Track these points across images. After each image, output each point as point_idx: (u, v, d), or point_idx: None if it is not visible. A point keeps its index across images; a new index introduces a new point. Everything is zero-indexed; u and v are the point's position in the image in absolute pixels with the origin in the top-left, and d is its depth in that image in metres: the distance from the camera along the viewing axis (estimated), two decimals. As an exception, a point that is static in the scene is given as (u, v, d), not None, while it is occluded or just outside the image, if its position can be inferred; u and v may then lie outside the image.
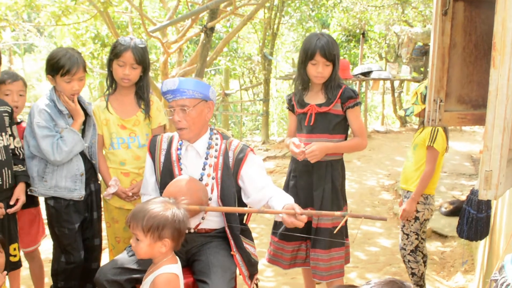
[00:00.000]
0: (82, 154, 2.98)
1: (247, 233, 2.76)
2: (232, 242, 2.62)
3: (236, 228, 2.63)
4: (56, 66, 2.82)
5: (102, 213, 3.24)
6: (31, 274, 3.38)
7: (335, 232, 2.67)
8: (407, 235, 3.44)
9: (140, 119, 3.12)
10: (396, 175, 7.27)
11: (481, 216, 3.02)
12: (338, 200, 2.99)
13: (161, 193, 2.60)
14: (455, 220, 3.48)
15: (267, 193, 2.58)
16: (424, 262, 3.55)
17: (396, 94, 13.37)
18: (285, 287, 3.96)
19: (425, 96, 3.26)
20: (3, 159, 2.71)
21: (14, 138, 2.85)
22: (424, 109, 3.26)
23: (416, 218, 3.38)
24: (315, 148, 2.88)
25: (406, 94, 13.46)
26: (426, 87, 3.27)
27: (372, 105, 16.18)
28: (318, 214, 2.75)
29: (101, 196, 3.19)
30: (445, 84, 2.59)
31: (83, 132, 3.00)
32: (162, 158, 2.73)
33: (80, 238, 3.03)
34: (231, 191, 2.61)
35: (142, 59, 3.01)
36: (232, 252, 2.61)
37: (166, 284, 2.15)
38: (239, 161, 2.62)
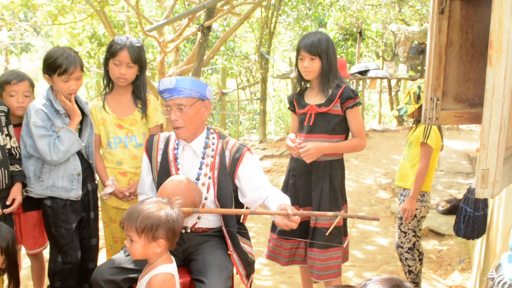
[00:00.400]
0: (79, 153, 2.97)
1: (244, 233, 2.76)
2: (229, 242, 2.62)
3: (233, 227, 2.62)
4: (53, 66, 2.80)
5: (99, 213, 3.23)
6: (32, 273, 3.38)
7: (327, 233, 2.67)
8: (405, 233, 3.44)
9: (137, 119, 3.11)
10: (393, 173, 7.27)
11: (478, 214, 3.03)
12: (336, 199, 2.99)
13: (158, 192, 2.60)
14: (452, 219, 3.49)
15: (263, 193, 2.58)
16: (420, 260, 3.56)
17: (393, 93, 13.38)
18: (282, 286, 3.96)
19: (418, 96, 3.26)
20: (-1, 159, 2.70)
21: (10, 138, 2.84)
22: (418, 108, 3.27)
23: (414, 216, 3.39)
24: (310, 148, 2.89)
25: (403, 93, 13.45)
26: (419, 87, 3.27)
27: (369, 104, 16.17)
28: (311, 214, 2.75)
29: (98, 196, 3.18)
30: (442, 82, 2.59)
31: (80, 131, 2.99)
32: (159, 158, 2.72)
33: (77, 238, 3.02)
34: (227, 191, 2.61)
35: (138, 58, 3.00)
36: (229, 252, 2.61)
37: (161, 284, 2.15)
38: (235, 161, 2.62)
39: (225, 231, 2.63)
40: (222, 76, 12.59)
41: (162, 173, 2.68)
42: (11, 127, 2.86)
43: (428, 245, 4.72)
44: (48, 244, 3.23)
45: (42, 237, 3.24)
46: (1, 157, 2.72)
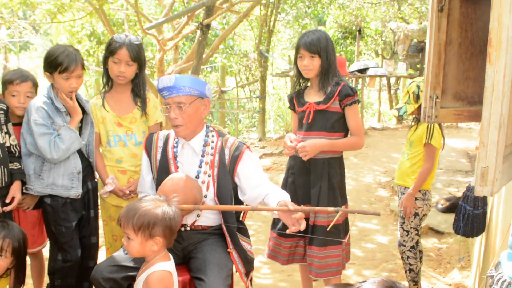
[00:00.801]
0: (79, 152, 2.97)
1: (243, 231, 2.76)
2: (228, 240, 2.62)
3: (233, 225, 2.63)
4: (54, 63, 2.80)
5: (99, 211, 3.23)
6: (31, 272, 3.38)
7: (328, 229, 2.68)
8: (407, 231, 3.44)
9: (137, 117, 3.11)
10: (393, 172, 7.28)
11: (477, 212, 3.03)
12: (335, 198, 2.99)
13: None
14: (451, 217, 3.49)
15: (263, 191, 2.58)
16: (420, 258, 3.56)
17: (392, 91, 13.38)
18: (282, 284, 3.97)
19: (417, 95, 3.25)
20: (-2, 157, 2.70)
21: (9, 136, 2.84)
22: (417, 108, 3.27)
23: (416, 214, 3.39)
24: (306, 145, 2.90)
25: (402, 91, 13.46)
26: (418, 86, 3.26)
27: (368, 102, 16.17)
28: (311, 210, 2.75)
29: (98, 194, 3.18)
30: (441, 80, 2.59)
31: (80, 130, 2.99)
32: (159, 156, 2.72)
33: (77, 236, 3.02)
34: (227, 189, 2.61)
35: (137, 56, 3.00)
36: (228, 250, 2.61)
37: (159, 281, 2.15)
38: (235, 159, 2.62)
39: (224, 228, 2.63)
40: (221, 74, 12.59)
41: (162, 171, 2.68)
42: (10, 125, 2.86)
43: (428, 243, 4.73)
44: (48, 243, 3.24)
45: (42, 236, 3.24)
46: (1, 155, 2.71)
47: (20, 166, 2.86)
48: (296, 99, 3.11)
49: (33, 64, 19.13)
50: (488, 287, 1.82)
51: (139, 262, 2.38)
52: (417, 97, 3.25)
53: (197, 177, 2.62)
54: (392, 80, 13.06)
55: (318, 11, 13.81)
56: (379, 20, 12.94)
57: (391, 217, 5.62)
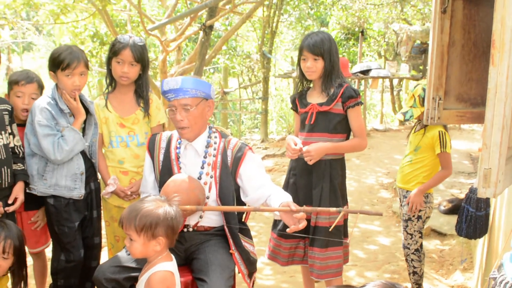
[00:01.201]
0: (82, 153, 2.97)
1: (245, 232, 2.76)
2: (230, 241, 2.63)
3: (235, 226, 2.63)
4: (57, 61, 2.82)
5: (102, 211, 3.24)
6: (34, 272, 3.39)
7: (330, 229, 2.67)
8: (411, 234, 3.43)
9: (139, 118, 3.11)
10: (395, 173, 7.26)
11: (480, 214, 3.03)
12: (336, 199, 2.99)
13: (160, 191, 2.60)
14: (454, 218, 3.49)
15: (265, 192, 2.58)
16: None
17: (395, 93, 13.37)
18: (284, 285, 3.97)
19: (423, 99, 3.23)
20: (2, 158, 2.71)
21: (14, 137, 2.85)
22: (423, 112, 3.25)
23: (419, 217, 3.38)
24: (311, 150, 2.89)
25: (405, 93, 13.45)
26: (423, 89, 3.24)
27: (371, 103, 16.17)
28: (314, 211, 2.75)
29: (101, 195, 3.18)
30: (444, 82, 2.60)
31: (83, 131, 2.99)
32: (161, 157, 2.73)
33: (80, 237, 3.03)
34: (229, 190, 2.62)
35: (141, 57, 3.00)
36: (231, 251, 2.61)
37: (161, 282, 2.16)
38: (237, 160, 2.63)
39: (227, 229, 2.64)
40: (224, 75, 12.60)
41: (164, 172, 2.68)
42: (14, 126, 2.86)
43: (430, 244, 4.72)
44: (50, 243, 3.24)
45: (44, 236, 3.24)
46: (5, 156, 2.72)
47: (23, 167, 2.86)
48: (299, 100, 3.11)
49: (36, 65, 19.18)
50: (491, 289, 1.82)
51: (142, 263, 2.38)
52: (423, 101, 3.22)
53: (200, 178, 2.62)
54: (395, 81, 13.05)
55: (321, 12, 13.81)
56: (382, 21, 12.94)
57: (393, 218, 5.61)
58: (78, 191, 2.93)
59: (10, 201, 2.76)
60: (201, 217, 2.65)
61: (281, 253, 3.13)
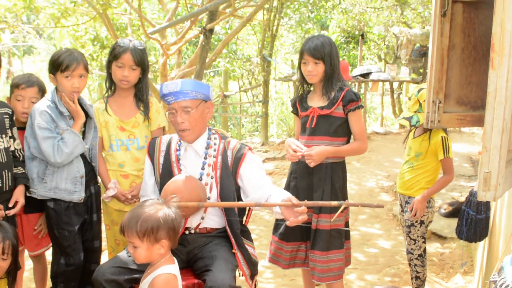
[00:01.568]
0: (82, 156, 2.98)
1: (246, 234, 2.77)
2: (233, 241, 2.63)
3: (236, 227, 2.63)
4: (57, 63, 2.83)
5: (102, 215, 3.23)
6: (34, 275, 3.39)
7: (332, 220, 2.67)
8: (414, 240, 3.42)
9: (140, 121, 3.12)
10: (395, 176, 7.26)
11: (480, 217, 3.02)
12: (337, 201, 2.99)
13: (161, 195, 2.61)
14: (454, 222, 3.48)
15: (265, 192, 2.59)
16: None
17: (395, 96, 13.37)
18: (284, 288, 3.96)
19: None
20: (3, 161, 2.71)
21: (14, 140, 2.85)
22: None
23: (422, 222, 3.38)
24: (313, 154, 2.90)
25: (405, 96, 13.45)
26: None
27: (371, 106, 16.16)
28: (315, 205, 2.74)
29: (101, 198, 3.18)
30: (444, 85, 2.60)
31: (83, 134, 3.00)
32: (161, 160, 2.74)
33: (80, 240, 3.03)
34: (230, 190, 2.63)
35: (141, 61, 3.01)
36: (233, 250, 2.61)
37: (164, 284, 2.16)
38: (237, 160, 2.64)
39: (229, 230, 2.64)
40: (224, 78, 12.60)
41: (165, 175, 2.69)
42: (15, 129, 2.87)
43: (431, 248, 4.72)
44: (50, 245, 3.24)
45: (45, 239, 3.24)
46: (5, 159, 2.72)
47: (24, 171, 2.87)
48: (300, 103, 3.12)
49: (37, 68, 19.19)
50: (491, 292, 1.82)
51: (143, 265, 2.38)
52: None
53: (200, 179, 2.64)
54: (395, 84, 13.05)
55: (321, 15, 13.82)
56: (382, 24, 12.94)
57: (394, 221, 5.60)
58: (78, 194, 2.93)
59: (10, 205, 2.77)
60: (203, 218, 2.66)
61: (282, 256, 3.13)
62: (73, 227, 2.96)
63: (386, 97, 13.98)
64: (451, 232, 4.80)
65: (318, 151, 2.91)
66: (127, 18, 8.73)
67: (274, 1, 10.09)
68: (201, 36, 6.18)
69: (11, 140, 2.82)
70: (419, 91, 3.32)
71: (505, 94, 1.83)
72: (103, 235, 3.25)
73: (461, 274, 4.07)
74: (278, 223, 3.15)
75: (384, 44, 13.49)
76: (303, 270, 3.31)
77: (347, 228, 3.10)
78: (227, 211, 2.64)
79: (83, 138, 2.97)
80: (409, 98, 3.39)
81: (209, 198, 2.62)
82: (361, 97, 3.19)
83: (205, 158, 2.67)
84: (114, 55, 2.99)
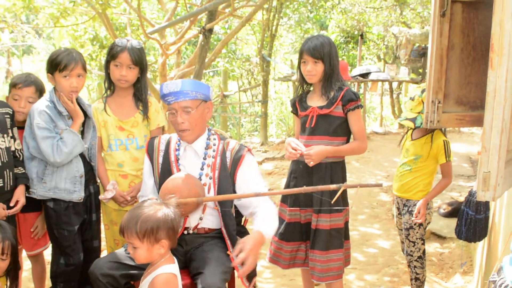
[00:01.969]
0: (82, 155, 2.98)
1: (245, 235, 2.75)
2: (228, 242, 2.63)
3: (233, 228, 2.63)
4: (55, 62, 2.83)
5: (101, 215, 3.23)
6: (32, 275, 3.38)
7: (332, 202, 2.67)
8: (413, 242, 3.41)
9: (139, 121, 3.11)
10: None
11: (480, 217, 3.02)
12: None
13: (160, 194, 2.61)
14: (453, 221, 3.48)
15: (254, 203, 2.60)
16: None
17: (394, 96, 13.37)
18: (284, 288, 3.96)
19: None
20: (4, 161, 2.71)
21: (15, 140, 2.85)
22: None
23: (420, 224, 3.38)
24: (312, 153, 2.90)
25: (405, 96, 13.45)
26: None
27: (370, 106, 16.16)
28: (315, 190, 2.73)
29: (99, 198, 3.18)
30: (443, 85, 2.60)
31: (82, 133, 3.00)
32: (161, 160, 2.74)
33: (79, 240, 3.03)
34: (228, 191, 2.63)
35: (139, 60, 3.01)
36: (228, 252, 2.61)
37: (165, 284, 2.16)
38: (236, 162, 2.64)
39: (224, 231, 2.64)
40: (223, 78, 12.59)
41: (164, 174, 2.69)
42: (15, 129, 2.87)
43: (430, 248, 4.72)
44: (49, 245, 3.24)
45: (43, 238, 3.24)
46: (6, 159, 2.72)
47: (24, 171, 2.87)
48: (299, 103, 3.12)
49: (36, 68, 19.18)
50: (490, 292, 1.82)
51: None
52: None
53: (199, 179, 2.64)
54: (394, 84, 13.04)
55: (320, 15, 13.82)
56: (381, 24, 12.95)
57: (393, 221, 5.60)
58: (77, 194, 2.93)
59: (11, 204, 2.77)
60: (201, 218, 2.66)
61: (282, 256, 3.13)
62: (73, 227, 2.96)
63: (385, 97, 13.98)
64: (450, 232, 4.80)
65: (317, 150, 2.91)
66: (126, 18, 8.73)
67: (274, 1, 10.08)
68: (200, 36, 6.18)
69: (12, 140, 2.82)
70: (422, 91, 3.28)
71: (504, 94, 1.83)
72: (102, 235, 3.25)
73: (461, 274, 4.07)
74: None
75: (384, 44, 13.50)
76: (302, 270, 3.32)
77: (339, 206, 3.07)
78: (223, 213, 2.64)
79: (82, 137, 2.97)
80: (412, 99, 3.35)
81: None
82: (361, 97, 3.18)
83: (204, 158, 2.67)
84: (112, 54, 3.00)
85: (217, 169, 2.65)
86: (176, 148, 2.73)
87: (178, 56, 8.86)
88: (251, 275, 2.69)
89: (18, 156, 2.86)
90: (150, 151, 2.78)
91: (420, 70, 10.87)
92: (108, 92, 3.15)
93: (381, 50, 13.83)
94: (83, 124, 2.99)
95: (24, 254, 3.34)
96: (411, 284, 3.53)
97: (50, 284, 3.10)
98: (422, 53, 10.64)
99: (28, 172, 2.89)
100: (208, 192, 2.63)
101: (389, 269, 4.31)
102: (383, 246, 4.89)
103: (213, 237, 2.69)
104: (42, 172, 2.89)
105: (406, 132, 3.57)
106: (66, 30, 9.94)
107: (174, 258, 2.29)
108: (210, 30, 6.05)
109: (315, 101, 3.03)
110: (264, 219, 2.53)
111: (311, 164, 2.93)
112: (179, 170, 2.68)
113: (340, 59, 3.24)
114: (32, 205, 2.99)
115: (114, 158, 3.10)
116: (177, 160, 2.70)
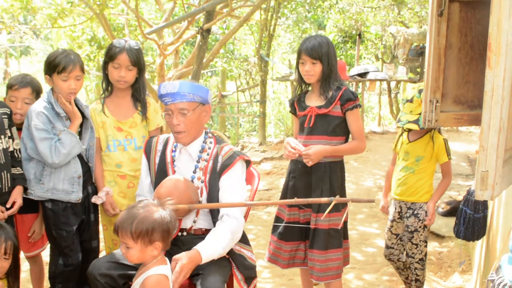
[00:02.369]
0: (80, 156, 2.97)
1: (242, 238, 2.74)
2: None
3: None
4: (53, 64, 2.83)
5: (99, 215, 3.23)
6: (31, 276, 3.38)
7: (322, 218, 2.66)
8: (417, 245, 3.40)
9: (137, 121, 3.11)
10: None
11: (478, 216, 3.03)
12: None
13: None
14: (452, 220, 3.49)
15: (223, 210, 2.57)
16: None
17: (392, 95, 13.37)
18: (282, 288, 3.96)
19: None
20: (2, 162, 2.71)
21: (13, 140, 2.85)
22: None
23: (424, 227, 3.37)
24: (310, 153, 2.90)
25: (403, 96, 13.47)
26: None
27: (368, 106, 16.15)
28: (306, 202, 2.73)
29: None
30: (441, 84, 2.60)
31: (80, 134, 2.99)
32: (157, 159, 2.74)
33: (78, 241, 3.03)
34: (218, 195, 2.62)
35: (137, 61, 3.01)
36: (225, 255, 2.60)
37: (155, 285, 2.15)
38: (224, 167, 2.62)
39: None
40: (221, 78, 12.59)
41: (160, 174, 2.69)
42: (14, 129, 2.87)
43: (429, 247, 4.69)
44: (47, 246, 3.24)
45: (41, 239, 3.24)
46: (4, 160, 2.72)
47: (22, 171, 2.86)
48: (297, 103, 3.12)
49: (34, 69, 19.16)
50: (489, 291, 1.82)
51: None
52: None
53: (192, 182, 2.63)
54: (392, 84, 13.04)
55: (318, 15, 13.82)
56: (379, 24, 12.95)
57: (392, 221, 5.60)
58: (76, 195, 2.93)
59: (8, 205, 2.76)
60: (194, 222, 2.66)
61: (281, 255, 3.13)
62: (71, 227, 2.96)
63: (383, 97, 14.00)
64: (449, 231, 4.80)
65: (316, 150, 2.91)
66: (124, 18, 8.72)
67: (271, 1, 10.08)
68: (198, 36, 6.18)
69: (10, 140, 2.82)
70: (419, 91, 3.27)
71: (502, 93, 1.83)
72: (100, 235, 3.24)
73: (459, 273, 4.07)
74: (276, 223, 3.15)
75: (381, 44, 13.51)
76: (301, 270, 3.32)
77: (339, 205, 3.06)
78: (213, 214, 2.63)
79: (80, 138, 2.97)
80: (410, 101, 3.33)
81: (200, 202, 2.62)
82: (359, 97, 3.18)
83: (198, 161, 2.66)
84: (110, 56, 2.99)
85: (208, 173, 2.64)
86: (173, 149, 2.73)
87: (176, 57, 8.86)
88: (250, 277, 2.69)
89: (17, 156, 2.86)
90: (148, 150, 2.78)
91: (418, 70, 10.88)
92: (106, 93, 3.15)
93: (379, 50, 13.84)
94: (81, 125, 2.99)
95: (21, 255, 3.34)
96: (411, 285, 3.53)
97: (49, 285, 3.10)
98: (420, 53, 10.65)
99: (26, 173, 2.89)
100: (201, 196, 2.62)
101: (388, 268, 4.31)
102: (381, 246, 4.88)
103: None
104: (40, 173, 2.89)
105: (401, 135, 3.53)
106: (64, 31, 9.92)
107: (167, 259, 2.28)
108: (208, 30, 6.04)
109: (314, 101, 3.04)
110: (214, 238, 2.45)
111: (309, 163, 2.93)
112: (174, 171, 2.68)
113: (338, 58, 3.24)
114: (29, 206, 2.99)
115: (112, 158, 3.10)
116: (173, 161, 2.70)
